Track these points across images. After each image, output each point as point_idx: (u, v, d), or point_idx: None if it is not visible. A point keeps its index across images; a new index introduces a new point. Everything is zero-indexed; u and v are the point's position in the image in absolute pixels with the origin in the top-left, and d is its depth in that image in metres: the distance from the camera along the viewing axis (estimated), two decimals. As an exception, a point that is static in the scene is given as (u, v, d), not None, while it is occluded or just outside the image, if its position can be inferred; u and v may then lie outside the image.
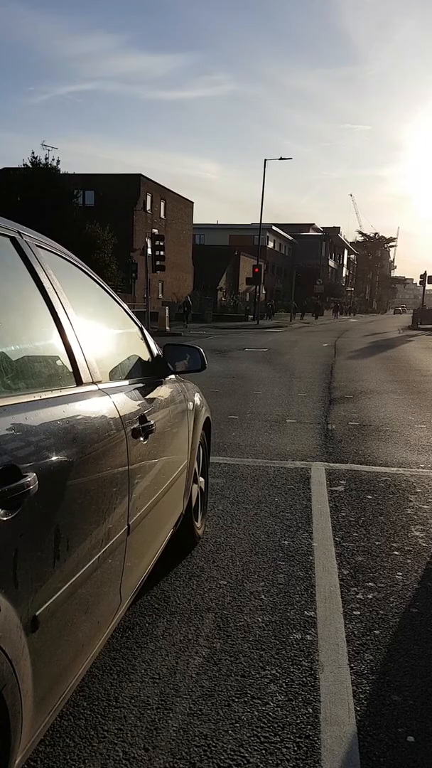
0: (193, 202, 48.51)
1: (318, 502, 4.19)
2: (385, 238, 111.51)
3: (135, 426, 2.07)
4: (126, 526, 1.93)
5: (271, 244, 64.17)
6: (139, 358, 2.64)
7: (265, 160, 37.60)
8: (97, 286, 2.42)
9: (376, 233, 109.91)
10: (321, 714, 2.04)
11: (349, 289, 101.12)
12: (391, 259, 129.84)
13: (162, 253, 25.30)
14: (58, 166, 27.71)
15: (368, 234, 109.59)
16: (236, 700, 2.10)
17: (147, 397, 2.41)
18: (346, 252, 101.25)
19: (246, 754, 1.85)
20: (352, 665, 2.31)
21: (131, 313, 2.71)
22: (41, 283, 1.78)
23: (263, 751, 1.87)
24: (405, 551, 3.38)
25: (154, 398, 2.52)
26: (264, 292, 50.65)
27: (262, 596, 2.85)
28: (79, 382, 1.82)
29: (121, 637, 2.48)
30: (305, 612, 2.71)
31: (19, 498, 1.24)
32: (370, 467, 5.16)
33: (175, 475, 2.71)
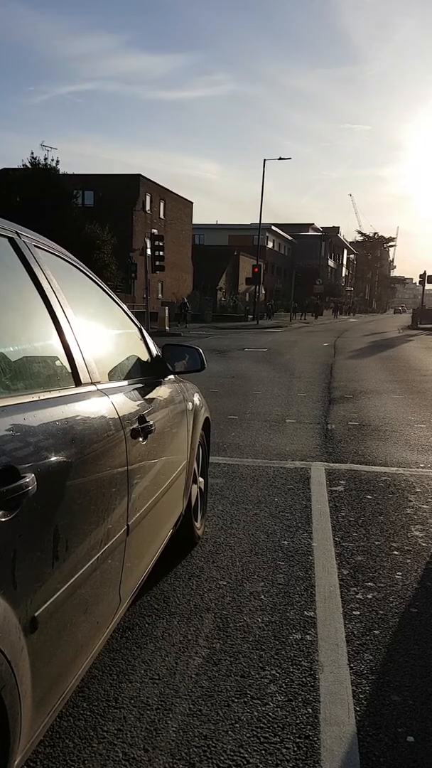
0: (192, 202, 48.53)
1: (318, 502, 4.19)
2: (384, 237, 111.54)
3: (134, 426, 2.07)
4: (125, 527, 1.93)
5: (270, 244, 64.18)
6: (138, 359, 2.64)
7: (265, 159, 37.70)
8: (96, 286, 2.42)
9: (376, 233, 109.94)
10: (321, 714, 2.04)
11: (348, 288, 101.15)
12: (391, 258, 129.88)
13: (161, 253, 25.31)
14: (58, 166, 27.76)
15: (368, 234, 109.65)
16: (236, 700, 2.10)
17: (146, 397, 2.41)
18: (345, 252, 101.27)
19: (246, 755, 1.85)
20: (352, 665, 2.31)
21: (130, 314, 2.71)
22: (40, 284, 1.78)
23: (263, 752, 1.86)
24: (405, 551, 3.38)
25: (154, 398, 2.52)
26: (263, 292, 50.63)
27: (262, 596, 2.85)
28: (77, 382, 1.82)
29: (120, 638, 2.47)
30: (305, 612, 2.71)
31: (18, 499, 1.24)
32: (370, 467, 5.16)
33: (175, 475, 2.71)
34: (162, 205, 42.50)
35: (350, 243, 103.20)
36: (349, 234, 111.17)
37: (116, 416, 1.93)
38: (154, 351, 2.82)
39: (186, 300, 35.84)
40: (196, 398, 3.37)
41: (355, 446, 5.93)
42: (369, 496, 4.35)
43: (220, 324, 36.74)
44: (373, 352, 18.11)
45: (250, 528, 3.71)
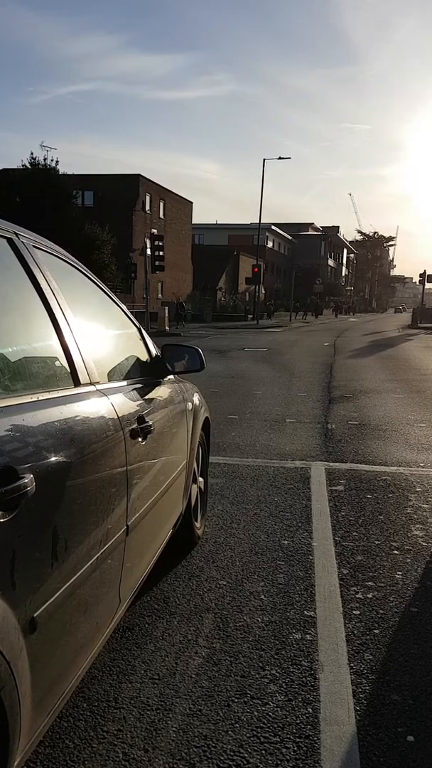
0: (192, 202, 48.51)
1: (318, 502, 4.19)
2: (384, 237, 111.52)
3: (133, 426, 2.07)
4: (125, 527, 1.93)
5: (270, 244, 64.16)
6: (138, 359, 2.64)
7: (264, 159, 37.67)
8: (95, 286, 2.42)
9: (375, 232, 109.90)
10: (321, 714, 2.04)
11: (348, 288, 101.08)
12: (391, 258, 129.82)
13: (161, 253, 25.31)
14: (57, 166, 27.76)
15: (368, 233, 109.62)
16: (236, 700, 2.10)
17: (145, 397, 2.41)
18: (345, 251, 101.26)
19: (246, 755, 1.85)
20: (352, 665, 2.31)
21: (129, 314, 2.71)
22: (38, 284, 1.78)
23: (263, 752, 1.86)
24: (405, 550, 3.38)
25: (153, 399, 2.52)
26: (263, 291, 50.61)
27: (262, 596, 2.85)
28: (76, 383, 1.82)
29: (120, 638, 2.47)
30: (305, 612, 2.71)
31: (17, 499, 1.24)
32: (370, 466, 5.16)
33: (174, 475, 2.71)
34: (162, 205, 42.50)
35: (350, 242, 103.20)
36: (348, 233, 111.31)
37: (115, 416, 1.93)
38: (154, 351, 2.82)
39: (182, 301, 35.88)
40: (196, 398, 3.37)
41: (355, 445, 5.93)
42: (369, 496, 4.35)
43: (219, 324, 36.74)
44: (373, 352, 18.11)
45: (250, 528, 3.71)
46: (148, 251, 24.27)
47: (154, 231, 32.96)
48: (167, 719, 2.00)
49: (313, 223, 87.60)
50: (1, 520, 1.20)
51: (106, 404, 1.92)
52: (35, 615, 1.30)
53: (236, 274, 52.88)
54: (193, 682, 2.20)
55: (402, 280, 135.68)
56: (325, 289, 68.84)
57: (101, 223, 28.46)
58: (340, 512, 4.00)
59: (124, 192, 37.26)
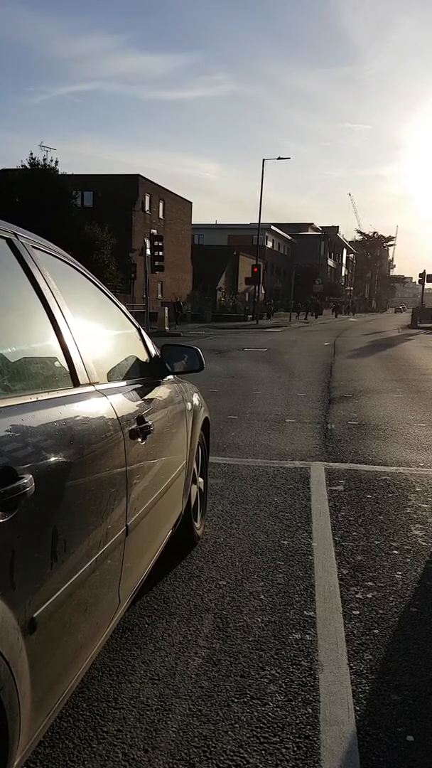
0: (191, 202, 48.50)
1: (317, 502, 4.19)
2: (384, 237, 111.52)
3: (133, 427, 2.07)
4: (124, 527, 1.93)
5: (270, 244, 64.14)
6: (137, 359, 2.64)
7: (264, 159, 37.67)
8: (94, 287, 2.42)
9: (375, 232, 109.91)
10: (320, 714, 2.04)
11: (348, 288, 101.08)
12: (391, 258, 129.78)
13: (161, 253, 25.29)
14: (57, 166, 27.75)
15: (367, 233, 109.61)
16: (236, 700, 2.10)
17: (145, 397, 2.41)
18: (345, 251, 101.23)
19: (246, 755, 1.85)
20: (352, 665, 2.31)
21: (129, 314, 2.71)
22: (38, 285, 1.78)
23: (263, 752, 1.86)
24: (404, 550, 3.38)
25: (152, 399, 2.52)
26: (263, 291, 50.60)
27: (262, 596, 2.85)
28: (76, 383, 1.82)
29: (120, 638, 2.47)
30: (305, 612, 2.71)
31: (16, 500, 1.24)
32: (370, 466, 5.16)
33: (174, 475, 2.71)
34: (161, 205, 42.49)
35: (350, 242, 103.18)
36: (348, 233, 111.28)
37: (115, 417, 1.93)
38: (153, 351, 2.82)
39: (179, 300, 35.92)
40: (195, 398, 3.37)
41: (354, 445, 5.93)
42: (369, 496, 4.35)
43: (219, 324, 36.74)
44: (373, 352, 18.11)
45: (250, 528, 3.71)
46: (148, 251, 24.26)
47: (154, 231, 32.98)
48: (167, 719, 2.00)
49: (312, 223, 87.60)
50: (1, 521, 1.20)
51: (106, 404, 1.92)
52: (35, 615, 1.30)
53: (236, 274, 52.88)
54: (193, 682, 2.20)
55: (402, 279, 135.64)
56: (324, 289, 68.82)
57: (101, 223, 28.45)
58: (339, 512, 4.00)
59: (124, 192, 37.25)
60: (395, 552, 3.36)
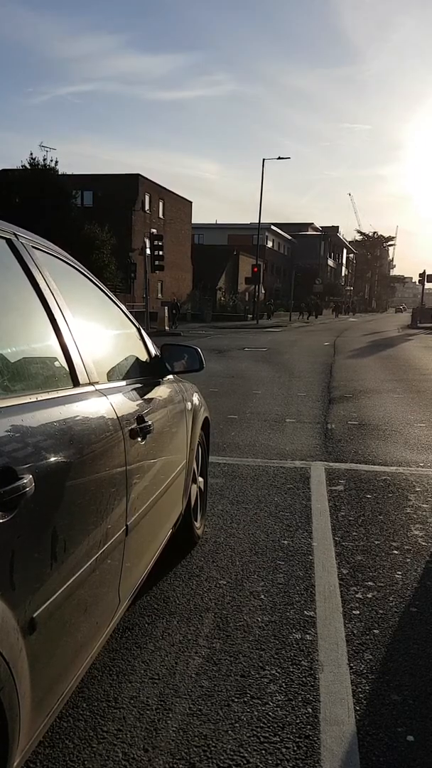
0: (191, 202, 48.49)
1: (317, 502, 4.19)
2: (384, 237, 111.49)
3: (133, 426, 2.07)
4: (124, 527, 1.93)
5: (270, 244, 64.14)
6: (137, 359, 2.64)
7: (264, 159, 37.66)
8: (94, 286, 2.42)
9: (375, 232, 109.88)
10: (321, 714, 2.04)
11: (348, 288, 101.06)
12: (391, 258, 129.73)
13: (161, 252, 25.28)
14: (57, 166, 27.74)
15: (367, 233, 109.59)
16: (236, 700, 2.10)
17: (145, 397, 2.41)
18: (345, 251, 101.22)
19: (246, 755, 1.85)
20: (352, 665, 2.31)
21: (129, 314, 2.71)
22: (37, 285, 1.78)
23: (263, 752, 1.86)
24: (404, 550, 3.38)
25: (152, 398, 2.52)
26: (263, 291, 50.58)
27: (262, 596, 2.85)
28: (76, 383, 1.82)
29: (120, 638, 2.47)
30: (305, 612, 2.71)
31: (16, 500, 1.24)
32: (370, 466, 5.16)
33: (174, 475, 2.71)
34: (161, 204, 42.48)
35: (350, 242, 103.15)
36: (348, 233, 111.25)
37: (115, 416, 1.93)
38: (153, 351, 2.81)
39: (177, 301, 35.95)
40: (195, 398, 3.37)
41: (354, 445, 5.93)
42: (369, 496, 4.35)
43: (219, 324, 36.74)
44: (373, 352, 18.11)
45: (250, 527, 3.71)
46: (148, 251, 24.25)
47: (154, 231, 32.94)
48: (167, 719, 2.00)
49: (312, 223, 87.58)
50: (1, 521, 1.20)
51: (106, 404, 1.92)
52: (35, 615, 1.30)
53: (236, 273, 52.87)
54: (193, 681, 2.20)
55: (402, 279, 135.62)
56: (324, 289, 68.82)
57: (101, 223, 28.45)
58: (339, 512, 4.00)
59: (124, 192, 37.25)
60: (395, 552, 3.36)
